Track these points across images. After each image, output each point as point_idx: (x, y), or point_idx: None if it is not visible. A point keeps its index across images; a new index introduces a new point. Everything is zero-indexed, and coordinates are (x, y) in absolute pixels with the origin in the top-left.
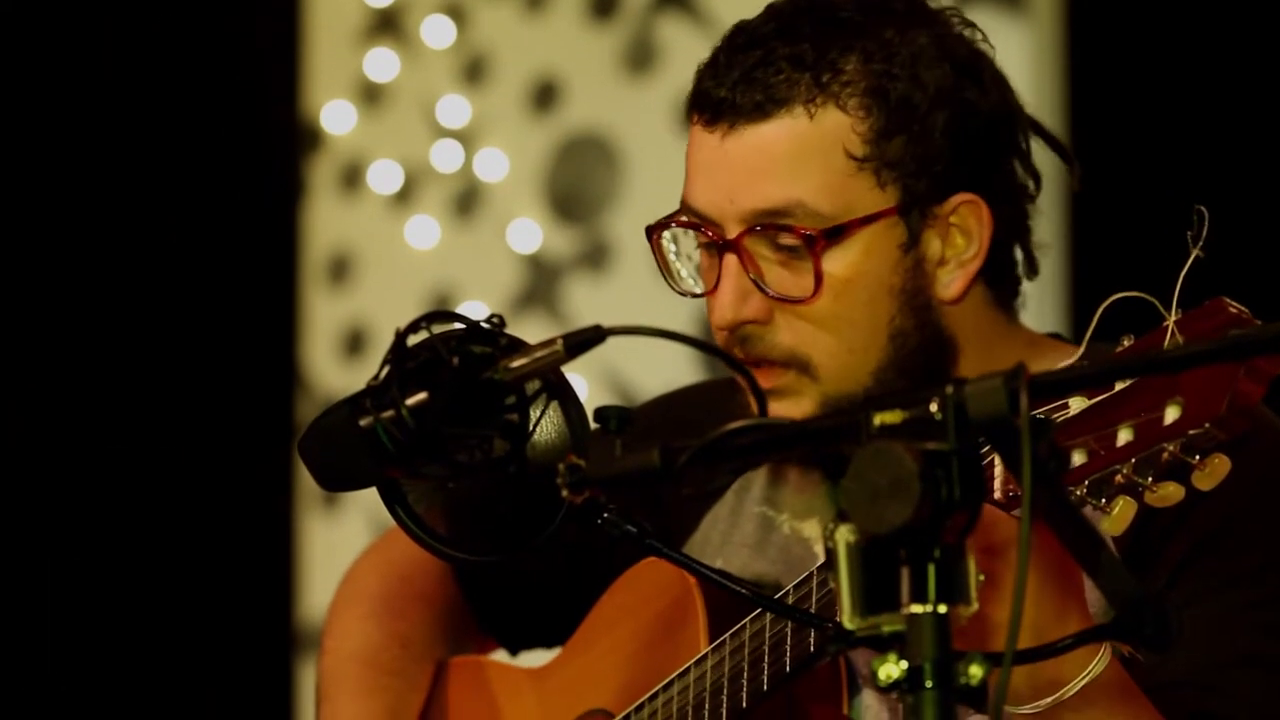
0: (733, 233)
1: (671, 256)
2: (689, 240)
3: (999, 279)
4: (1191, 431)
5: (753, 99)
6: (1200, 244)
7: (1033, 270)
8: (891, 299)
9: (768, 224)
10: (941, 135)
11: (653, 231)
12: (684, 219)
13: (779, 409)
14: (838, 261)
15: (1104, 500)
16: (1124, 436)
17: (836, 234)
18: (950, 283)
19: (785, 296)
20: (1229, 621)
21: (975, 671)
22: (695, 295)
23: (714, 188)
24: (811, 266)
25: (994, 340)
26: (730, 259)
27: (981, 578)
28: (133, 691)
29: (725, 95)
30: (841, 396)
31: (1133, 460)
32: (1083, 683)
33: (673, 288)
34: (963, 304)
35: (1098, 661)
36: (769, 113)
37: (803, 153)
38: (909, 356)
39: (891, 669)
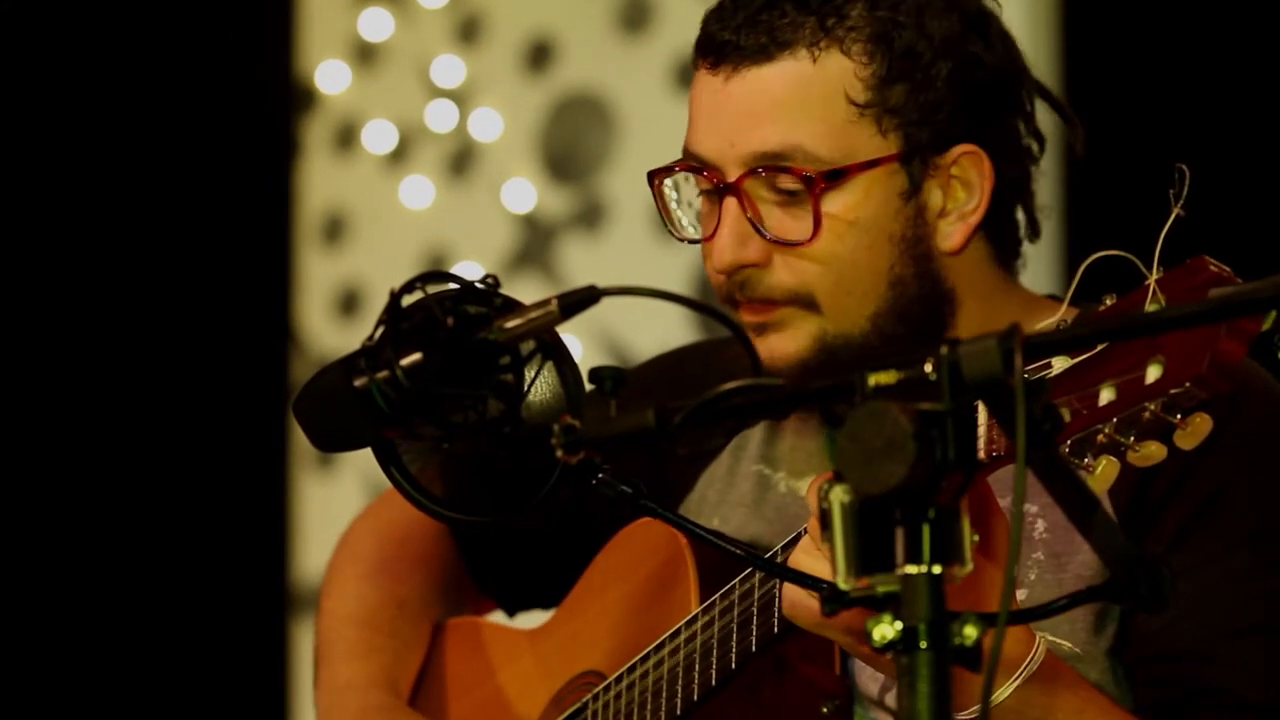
0: (733, 176)
1: (673, 204)
2: (690, 187)
3: (1000, 236)
4: (1173, 390)
5: (757, 41)
6: (1181, 202)
7: (1035, 233)
8: (891, 246)
9: (767, 166)
10: (945, 85)
11: (654, 177)
12: (685, 164)
13: (776, 343)
14: (837, 204)
15: (1087, 460)
16: (1106, 396)
17: (836, 177)
18: (951, 234)
19: (784, 239)
20: (1228, 590)
21: (970, 632)
22: (694, 241)
23: (715, 131)
24: (811, 210)
25: (993, 296)
26: (730, 202)
27: (976, 538)
28: (128, 652)
29: (729, 38)
30: (840, 335)
31: (1115, 420)
32: (1013, 686)
33: (673, 234)
34: (963, 257)
35: (1027, 664)
36: (772, 55)
37: (804, 96)
38: (909, 305)
39: (886, 630)
